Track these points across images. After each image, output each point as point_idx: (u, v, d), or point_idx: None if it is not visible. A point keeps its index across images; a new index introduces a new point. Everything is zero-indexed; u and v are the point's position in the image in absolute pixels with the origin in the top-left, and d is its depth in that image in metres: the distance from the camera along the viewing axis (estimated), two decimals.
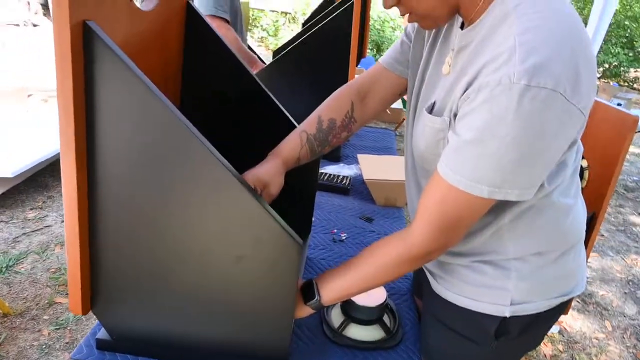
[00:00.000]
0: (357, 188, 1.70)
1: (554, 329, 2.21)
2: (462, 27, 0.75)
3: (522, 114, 0.59)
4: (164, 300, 0.83)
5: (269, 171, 0.88)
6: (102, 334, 0.90)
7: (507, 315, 0.81)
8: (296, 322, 1.02)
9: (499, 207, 0.76)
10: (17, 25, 7.59)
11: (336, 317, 1.04)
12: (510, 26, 0.63)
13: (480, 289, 0.82)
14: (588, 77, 0.62)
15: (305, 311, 0.83)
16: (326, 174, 1.73)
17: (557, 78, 0.59)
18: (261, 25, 8.81)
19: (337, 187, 1.65)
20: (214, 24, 1.88)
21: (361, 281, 0.80)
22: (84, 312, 0.83)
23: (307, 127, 0.93)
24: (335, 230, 1.41)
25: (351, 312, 1.01)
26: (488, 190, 0.64)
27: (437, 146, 0.74)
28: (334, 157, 1.94)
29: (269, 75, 1.85)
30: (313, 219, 1.47)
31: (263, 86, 1.05)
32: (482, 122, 0.62)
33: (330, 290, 0.81)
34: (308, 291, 0.83)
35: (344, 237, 1.38)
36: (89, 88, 0.66)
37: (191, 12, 0.98)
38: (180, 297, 0.82)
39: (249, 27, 8.20)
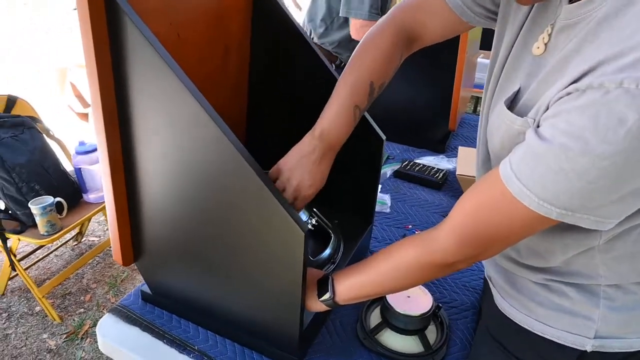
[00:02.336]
0: (453, 184, 1.52)
1: None
2: None
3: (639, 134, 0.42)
4: (191, 267, 0.85)
5: (326, 173, 0.77)
6: (146, 287, 0.96)
7: (589, 349, 0.64)
8: (333, 315, 0.97)
9: None
10: None
11: (374, 319, 0.95)
12: None
13: (556, 313, 0.66)
14: None
15: (318, 306, 0.76)
16: (420, 165, 1.59)
17: None
18: None
19: (428, 181, 1.51)
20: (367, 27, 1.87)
21: (377, 282, 0.70)
22: (125, 264, 0.90)
23: (359, 100, 0.77)
24: (410, 226, 1.29)
25: (388, 317, 0.91)
26: (558, 212, 0.49)
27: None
28: (439, 148, 1.77)
29: None
30: (389, 210, 1.38)
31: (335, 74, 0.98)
32: (578, 129, 0.45)
33: (345, 288, 0.73)
34: (323, 286, 0.76)
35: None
36: (116, 60, 0.68)
37: None
38: (205, 266, 0.83)
39: None
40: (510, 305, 0.71)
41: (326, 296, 0.74)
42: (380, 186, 1.53)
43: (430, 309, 0.89)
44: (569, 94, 0.47)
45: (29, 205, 1.69)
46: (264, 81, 1.08)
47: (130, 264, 0.91)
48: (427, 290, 0.93)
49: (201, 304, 0.89)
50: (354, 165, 1.07)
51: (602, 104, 0.43)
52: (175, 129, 0.71)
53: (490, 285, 0.78)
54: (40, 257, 2.24)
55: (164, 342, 0.88)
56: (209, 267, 0.83)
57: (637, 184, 0.46)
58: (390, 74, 0.79)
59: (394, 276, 0.68)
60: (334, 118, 0.76)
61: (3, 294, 2.04)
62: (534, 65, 0.59)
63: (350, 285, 0.73)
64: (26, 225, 1.77)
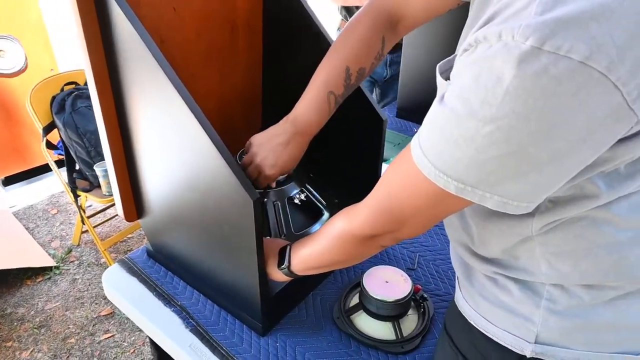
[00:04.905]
0: None
1: None
2: None
3: (518, 92, 0.37)
4: (178, 229, 0.91)
5: (293, 157, 0.80)
6: (150, 245, 1.05)
7: (528, 354, 0.58)
8: (315, 290, 0.98)
9: None
10: None
11: (353, 300, 0.94)
12: None
13: (498, 310, 0.61)
14: None
15: (279, 275, 0.78)
16: None
17: (598, 43, 0.35)
18: None
19: None
20: None
21: (318, 254, 0.70)
22: (129, 220, 0.99)
23: (334, 86, 0.78)
24: None
25: (363, 299, 0.90)
26: (455, 186, 0.46)
27: None
28: None
29: None
30: None
31: None
32: (464, 90, 0.41)
33: (298, 258, 0.74)
34: (282, 255, 0.77)
35: None
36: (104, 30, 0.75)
37: None
38: (187, 229, 0.89)
39: None
40: (463, 297, 0.67)
41: (282, 265, 0.76)
42: None
43: (406, 297, 0.86)
44: (465, 50, 0.43)
45: (94, 167, 1.90)
46: (279, 61, 1.10)
47: (133, 220, 0.99)
48: (408, 277, 0.90)
49: (188, 263, 0.95)
50: (356, 147, 1.05)
51: (484, 60, 0.39)
52: (153, 105, 0.77)
53: (456, 277, 0.74)
54: (113, 214, 2.51)
55: (153, 294, 0.96)
56: (190, 230, 0.88)
57: (538, 160, 0.41)
58: (370, 59, 0.78)
59: (328, 248, 0.67)
60: (307, 104, 0.79)
61: (78, 245, 2.32)
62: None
63: (301, 256, 0.74)
64: (93, 185, 1.99)
